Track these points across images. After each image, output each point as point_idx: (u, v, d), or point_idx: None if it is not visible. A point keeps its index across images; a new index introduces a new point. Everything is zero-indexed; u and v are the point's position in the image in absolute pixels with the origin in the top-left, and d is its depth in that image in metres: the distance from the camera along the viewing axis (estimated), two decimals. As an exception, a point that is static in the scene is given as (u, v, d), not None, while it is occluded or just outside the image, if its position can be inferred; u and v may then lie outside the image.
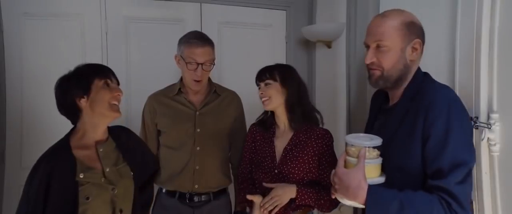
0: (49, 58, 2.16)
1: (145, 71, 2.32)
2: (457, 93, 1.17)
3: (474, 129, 1.22)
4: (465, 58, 1.30)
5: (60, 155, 1.24)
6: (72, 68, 1.33)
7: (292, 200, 1.47)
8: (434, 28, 1.22)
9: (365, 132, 1.32)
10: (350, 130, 2.34)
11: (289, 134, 1.58)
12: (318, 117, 1.62)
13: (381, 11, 1.91)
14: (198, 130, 1.73)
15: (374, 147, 1.10)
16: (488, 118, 1.21)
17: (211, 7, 2.44)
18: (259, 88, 1.59)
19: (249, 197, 1.49)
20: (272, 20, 2.57)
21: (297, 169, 1.52)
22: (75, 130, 1.32)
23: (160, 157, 1.82)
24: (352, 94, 2.31)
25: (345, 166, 1.12)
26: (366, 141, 1.10)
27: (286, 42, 2.62)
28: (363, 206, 1.06)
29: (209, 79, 1.82)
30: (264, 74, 1.56)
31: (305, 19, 2.57)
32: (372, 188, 1.04)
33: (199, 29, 2.32)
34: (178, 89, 1.77)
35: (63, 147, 1.26)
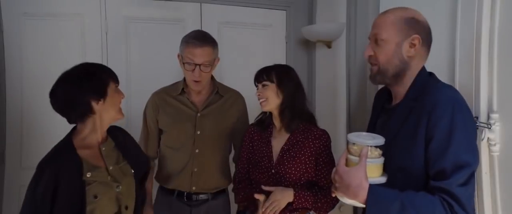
0: (49, 58, 2.17)
1: (145, 71, 2.32)
2: (457, 93, 1.16)
3: (474, 129, 1.22)
4: (465, 58, 1.29)
5: (66, 156, 1.24)
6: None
7: (289, 203, 1.48)
8: (434, 28, 1.22)
9: (368, 131, 1.31)
10: (350, 130, 2.33)
11: (286, 134, 1.58)
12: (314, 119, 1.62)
13: (381, 11, 1.91)
14: (198, 132, 1.73)
15: (376, 146, 1.09)
16: (488, 118, 1.21)
17: (211, 7, 2.44)
18: (257, 89, 1.59)
19: (256, 196, 1.49)
20: (272, 20, 2.57)
21: (294, 169, 1.52)
22: (77, 130, 1.31)
23: (160, 156, 1.82)
24: (352, 94, 2.31)
25: (346, 165, 1.11)
26: (368, 139, 1.09)
27: (286, 42, 2.62)
28: (363, 205, 1.05)
29: (213, 78, 1.81)
30: (262, 76, 1.57)
31: (305, 19, 2.57)
32: (373, 187, 1.03)
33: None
34: (181, 89, 1.76)
35: (67, 147, 1.26)
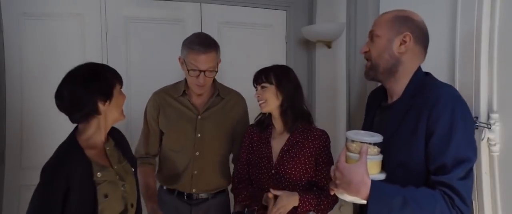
0: (49, 58, 2.17)
1: (145, 71, 2.32)
2: (457, 93, 1.17)
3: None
4: (465, 58, 1.29)
5: (75, 157, 1.23)
6: (72, 67, 1.28)
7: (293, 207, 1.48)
8: (434, 28, 1.23)
9: (363, 129, 1.32)
10: (350, 130, 2.33)
11: (286, 135, 1.58)
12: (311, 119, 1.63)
13: (381, 11, 1.91)
14: (199, 135, 1.73)
15: (374, 144, 1.11)
16: (488, 118, 1.21)
17: (211, 7, 2.44)
18: (256, 90, 1.59)
19: (271, 192, 1.47)
20: (272, 20, 2.57)
21: (294, 170, 1.52)
22: (80, 130, 1.30)
23: (161, 156, 1.82)
24: (352, 94, 2.31)
25: (346, 162, 1.12)
26: (367, 137, 1.11)
27: (286, 42, 2.62)
28: (364, 202, 1.06)
29: (215, 80, 1.80)
30: (260, 77, 1.57)
31: (305, 19, 2.57)
32: (375, 183, 1.04)
33: (199, 29, 2.33)
34: (183, 91, 1.75)
35: (74, 148, 1.25)
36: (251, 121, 1.76)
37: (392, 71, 1.18)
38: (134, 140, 1.81)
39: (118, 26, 2.29)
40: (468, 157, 1.03)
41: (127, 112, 2.23)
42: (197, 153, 1.73)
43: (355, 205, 1.73)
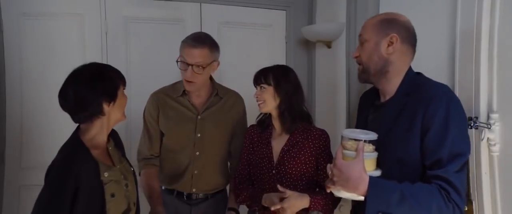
0: (49, 58, 2.16)
1: (145, 71, 2.32)
2: (457, 93, 1.19)
3: (474, 129, 1.24)
4: (465, 58, 1.30)
5: (82, 157, 1.22)
6: (72, 68, 1.26)
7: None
8: (434, 28, 1.23)
9: (356, 128, 1.33)
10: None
11: (286, 135, 1.59)
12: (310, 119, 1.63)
13: (381, 11, 1.92)
14: (199, 135, 1.73)
15: (369, 141, 1.13)
16: (488, 118, 1.21)
17: (211, 7, 2.44)
18: (256, 90, 1.60)
19: (281, 188, 1.46)
20: (272, 20, 2.57)
21: (295, 170, 1.52)
22: (83, 130, 1.29)
23: (160, 157, 1.82)
24: (351, 94, 2.31)
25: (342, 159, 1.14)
26: (363, 135, 1.14)
27: (286, 42, 2.62)
28: (361, 198, 1.08)
29: (212, 80, 1.80)
30: (260, 78, 1.57)
31: (305, 19, 2.57)
32: (373, 179, 1.06)
33: (198, 29, 2.33)
34: (182, 91, 1.74)
35: (81, 148, 1.24)
36: (253, 121, 1.76)
37: (383, 72, 1.21)
38: (134, 140, 1.81)
39: (118, 26, 2.29)
40: (463, 151, 1.07)
41: (127, 112, 2.22)
42: (197, 153, 1.73)
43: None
